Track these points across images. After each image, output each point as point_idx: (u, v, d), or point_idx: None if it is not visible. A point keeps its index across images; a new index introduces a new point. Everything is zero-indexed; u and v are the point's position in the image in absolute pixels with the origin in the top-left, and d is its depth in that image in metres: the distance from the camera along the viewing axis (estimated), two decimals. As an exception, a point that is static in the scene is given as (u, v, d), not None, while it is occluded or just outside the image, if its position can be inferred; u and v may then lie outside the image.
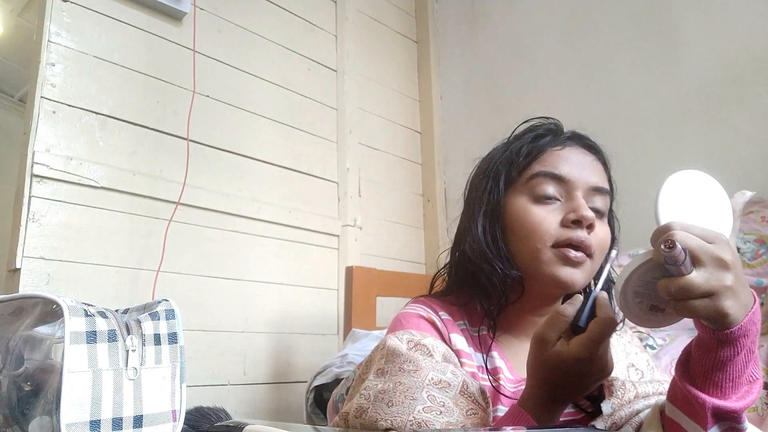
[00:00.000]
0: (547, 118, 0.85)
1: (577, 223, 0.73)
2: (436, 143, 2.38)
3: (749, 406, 0.55)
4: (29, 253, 1.31)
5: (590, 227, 0.74)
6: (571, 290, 0.75)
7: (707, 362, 0.54)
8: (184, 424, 0.57)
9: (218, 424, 0.66)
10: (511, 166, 0.81)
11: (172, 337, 0.60)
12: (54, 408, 0.49)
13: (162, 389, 0.57)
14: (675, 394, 0.59)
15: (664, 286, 0.52)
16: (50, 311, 0.53)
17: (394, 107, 2.35)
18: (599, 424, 0.69)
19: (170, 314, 0.62)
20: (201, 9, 1.75)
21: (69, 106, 1.44)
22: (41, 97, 1.40)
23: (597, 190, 0.77)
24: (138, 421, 0.53)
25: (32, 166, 1.34)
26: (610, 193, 0.81)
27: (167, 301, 0.64)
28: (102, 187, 1.45)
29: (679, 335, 1.29)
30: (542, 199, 0.76)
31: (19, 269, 1.30)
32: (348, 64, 2.16)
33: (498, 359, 0.77)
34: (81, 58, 1.49)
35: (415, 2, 2.57)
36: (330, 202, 2.01)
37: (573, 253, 0.73)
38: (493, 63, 2.28)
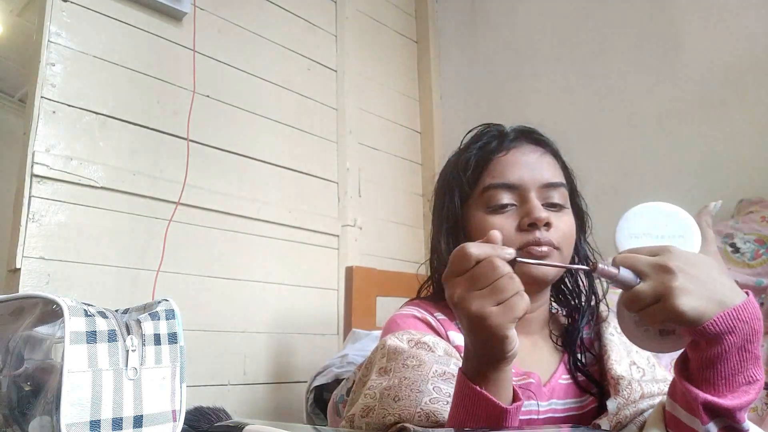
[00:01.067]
0: (490, 124, 0.86)
1: (533, 225, 0.75)
2: (436, 143, 2.38)
3: (745, 406, 0.56)
4: (29, 253, 1.31)
5: (548, 225, 0.75)
6: (545, 283, 0.79)
7: (699, 360, 0.56)
8: (184, 424, 0.57)
9: (218, 424, 0.66)
10: (462, 182, 0.82)
11: (172, 337, 0.60)
12: (54, 408, 0.49)
13: (162, 389, 0.57)
14: (674, 389, 0.60)
15: (622, 302, 0.57)
16: (50, 311, 0.53)
17: (394, 107, 2.35)
18: (604, 422, 0.69)
19: (170, 314, 0.62)
20: (201, 9, 1.75)
21: (69, 106, 1.44)
22: (41, 97, 1.40)
23: (550, 186, 0.78)
24: (138, 421, 0.53)
25: (32, 166, 1.34)
26: (566, 183, 0.82)
27: (167, 301, 0.64)
28: (102, 187, 1.45)
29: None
30: (497, 209, 0.78)
31: (19, 269, 1.30)
32: (348, 64, 2.16)
33: None
34: (81, 58, 1.49)
35: (415, 2, 2.57)
36: (330, 202, 2.01)
37: (537, 249, 0.74)
38: (493, 63, 2.28)
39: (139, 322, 0.59)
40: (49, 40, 1.43)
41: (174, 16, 1.68)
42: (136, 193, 1.51)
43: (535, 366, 0.78)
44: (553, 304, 0.89)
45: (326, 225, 1.95)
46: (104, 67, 1.52)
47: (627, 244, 0.62)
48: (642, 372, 0.78)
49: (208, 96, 1.72)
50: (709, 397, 0.54)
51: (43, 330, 0.52)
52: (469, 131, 0.88)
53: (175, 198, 1.56)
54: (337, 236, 1.99)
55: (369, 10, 2.35)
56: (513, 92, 2.20)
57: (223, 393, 1.60)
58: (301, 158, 1.95)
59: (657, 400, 0.69)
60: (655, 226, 0.64)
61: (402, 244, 2.23)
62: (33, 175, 1.34)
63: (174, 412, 0.57)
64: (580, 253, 0.85)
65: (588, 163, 1.83)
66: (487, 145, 0.82)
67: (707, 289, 0.54)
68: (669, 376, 0.78)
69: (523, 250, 0.74)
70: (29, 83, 1.44)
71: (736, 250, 1.38)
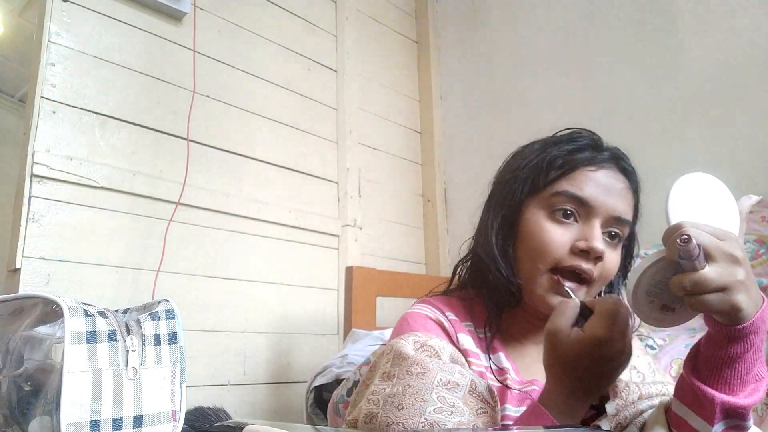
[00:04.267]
0: (589, 131, 0.84)
1: (585, 253, 0.73)
2: (436, 143, 2.38)
3: (756, 404, 0.56)
4: (29, 253, 1.31)
5: (598, 258, 0.73)
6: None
7: (717, 359, 0.55)
8: (184, 424, 0.57)
9: (218, 424, 0.66)
10: (539, 175, 0.79)
11: (172, 337, 0.60)
12: (54, 408, 0.49)
13: (162, 389, 0.57)
14: (683, 390, 0.59)
15: (677, 281, 0.53)
16: (50, 311, 0.53)
17: (394, 107, 2.35)
18: (604, 424, 0.68)
19: (170, 314, 0.62)
20: (201, 9, 1.75)
21: (69, 106, 1.44)
22: (41, 97, 1.40)
23: (619, 221, 0.76)
24: (138, 421, 0.53)
25: (32, 166, 1.34)
26: (633, 222, 0.80)
27: (167, 301, 0.64)
28: (102, 187, 1.45)
29: (679, 335, 1.29)
30: (559, 218, 0.75)
31: (19, 269, 1.30)
32: (348, 64, 2.16)
33: (504, 360, 0.77)
34: (81, 58, 1.48)
35: (415, 2, 2.57)
36: (330, 202, 2.01)
37: (568, 284, 0.72)
38: (493, 63, 2.28)
39: (139, 322, 0.59)
40: (49, 40, 1.43)
41: (174, 16, 1.67)
42: (136, 193, 1.50)
43: (540, 374, 0.78)
44: None
45: (326, 225, 1.95)
46: (104, 67, 1.52)
47: (681, 214, 0.57)
48: (642, 376, 0.78)
49: (208, 96, 1.72)
50: (725, 397, 0.54)
51: (43, 330, 0.52)
52: (565, 129, 0.85)
53: (175, 198, 1.56)
54: (337, 236, 1.99)
55: (369, 10, 2.35)
56: (513, 92, 2.20)
57: (223, 393, 1.60)
58: (301, 158, 1.94)
59: (656, 401, 0.69)
60: (707, 203, 0.60)
61: (402, 244, 2.23)
62: (33, 175, 1.34)
63: (174, 412, 0.57)
64: (613, 290, 0.84)
65: (588, 163, 1.84)
66: (580, 151, 0.79)
67: (754, 287, 0.54)
68: (668, 377, 0.78)
69: (557, 275, 0.73)
70: (29, 83, 1.44)
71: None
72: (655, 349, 1.27)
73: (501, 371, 0.75)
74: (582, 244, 0.73)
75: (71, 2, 1.49)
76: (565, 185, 0.76)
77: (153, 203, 1.53)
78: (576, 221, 0.75)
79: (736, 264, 0.52)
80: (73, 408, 0.49)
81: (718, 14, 1.66)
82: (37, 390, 0.50)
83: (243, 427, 0.54)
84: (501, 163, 0.87)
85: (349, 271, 1.73)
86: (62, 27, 1.46)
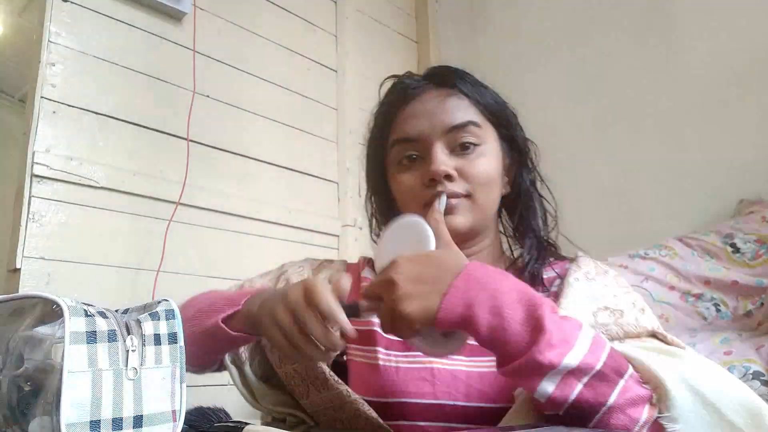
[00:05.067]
0: (398, 75, 0.84)
1: (433, 181, 0.73)
2: (436, 143, 2.38)
3: (571, 342, 0.53)
4: (29, 253, 1.31)
5: (449, 177, 0.73)
6: (461, 234, 0.74)
7: (486, 344, 0.56)
8: (184, 424, 0.57)
9: (218, 424, 0.66)
10: (377, 141, 0.84)
11: (172, 337, 0.60)
12: (54, 408, 0.48)
13: (162, 389, 0.57)
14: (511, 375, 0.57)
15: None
16: (50, 311, 0.53)
17: (394, 107, 2.35)
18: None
19: (170, 314, 0.62)
20: (201, 9, 1.75)
21: (69, 106, 1.44)
22: (41, 97, 1.40)
23: (456, 128, 0.75)
24: (138, 421, 0.53)
25: (32, 166, 1.34)
26: (491, 119, 0.79)
27: (167, 301, 0.64)
28: (102, 187, 1.45)
29: (680, 335, 1.29)
30: (404, 165, 0.77)
31: (19, 269, 1.30)
32: (348, 64, 2.16)
33: None
34: (81, 58, 1.48)
35: (415, 2, 2.57)
36: (330, 202, 2.01)
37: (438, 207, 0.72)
38: (492, 63, 2.28)
39: (139, 322, 0.59)
40: (49, 40, 1.43)
41: (174, 16, 1.67)
42: (136, 193, 1.50)
43: None
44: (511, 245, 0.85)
45: (326, 225, 1.95)
46: (104, 67, 1.52)
47: (382, 260, 0.64)
48: (619, 314, 0.68)
49: (208, 96, 1.72)
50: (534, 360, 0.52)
51: (43, 330, 0.52)
52: (380, 86, 0.86)
53: (175, 198, 1.56)
54: (337, 236, 1.99)
55: (369, 10, 2.35)
56: (512, 92, 2.19)
57: (223, 393, 1.60)
58: (301, 158, 1.94)
59: (648, 342, 0.65)
60: (400, 239, 0.67)
61: (402, 244, 2.23)
62: (33, 175, 1.34)
63: (174, 412, 0.57)
64: (522, 186, 0.81)
65: (588, 162, 1.84)
66: (390, 97, 0.81)
67: (431, 283, 0.56)
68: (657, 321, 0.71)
69: (428, 203, 0.73)
70: (29, 83, 1.44)
71: (737, 250, 1.38)
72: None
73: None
74: (426, 176, 0.74)
75: (71, 2, 1.49)
76: (393, 135, 0.79)
77: (153, 203, 1.53)
78: (423, 158, 0.76)
79: (391, 285, 0.56)
80: (73, 408, 0.49)
81: (719, 15, 1.66)
82: (37, 390, 0.50)
83: (243, 428, 0.53)
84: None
85: (349, 271, 1.73)
86: (62, 27, 1.46)
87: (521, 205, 0.82)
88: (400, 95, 0.80)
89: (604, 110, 1.87)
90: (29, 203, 1.33)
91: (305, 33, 2.07)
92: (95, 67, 1.51)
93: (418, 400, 0.68)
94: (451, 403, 0.67)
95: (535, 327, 0.53)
